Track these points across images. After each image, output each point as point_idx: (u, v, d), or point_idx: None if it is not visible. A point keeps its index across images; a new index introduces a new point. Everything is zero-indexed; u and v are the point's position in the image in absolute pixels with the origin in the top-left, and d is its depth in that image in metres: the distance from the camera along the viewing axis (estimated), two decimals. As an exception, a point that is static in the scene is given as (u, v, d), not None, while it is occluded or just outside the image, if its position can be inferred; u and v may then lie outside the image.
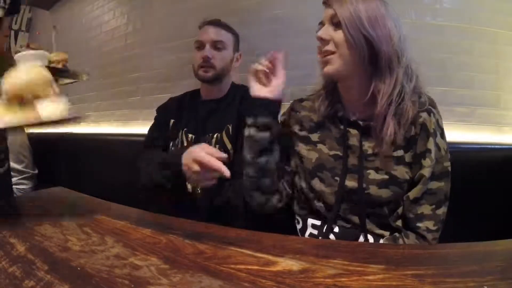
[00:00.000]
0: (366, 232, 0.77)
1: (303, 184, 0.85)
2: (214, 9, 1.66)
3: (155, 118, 1.30)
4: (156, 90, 2.09)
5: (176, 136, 1.19)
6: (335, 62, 0.73)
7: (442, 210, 0.73)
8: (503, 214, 1.06)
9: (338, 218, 0.80)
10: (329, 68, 0.74)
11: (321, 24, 0.77)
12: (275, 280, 0.46)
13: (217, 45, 1.15)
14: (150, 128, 1.27)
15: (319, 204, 0.82)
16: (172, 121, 1.21)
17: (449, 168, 0.75)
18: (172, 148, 1.17)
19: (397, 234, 0.76)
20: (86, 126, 2.63)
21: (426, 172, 0.72)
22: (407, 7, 1.39)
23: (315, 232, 0.83)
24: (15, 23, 3.30)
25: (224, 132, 1.11)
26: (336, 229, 0.80)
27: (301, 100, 0.93)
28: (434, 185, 0.73)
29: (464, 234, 0.68)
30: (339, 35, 0.71)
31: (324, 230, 0.81)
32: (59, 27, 2.89)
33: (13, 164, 1.75)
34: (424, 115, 0.73)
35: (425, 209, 0.73)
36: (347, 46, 0.71)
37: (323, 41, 0.73)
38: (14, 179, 1.73)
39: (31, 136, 1.96)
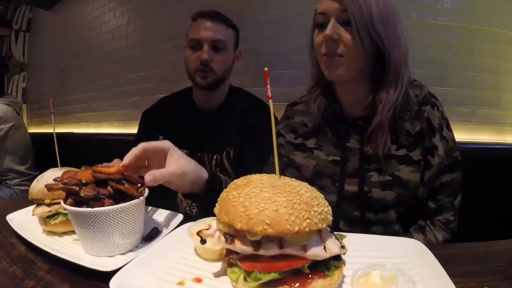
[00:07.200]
0: None
1: None
2: (214, 9, 1.65)
3: (140, 124, 1.15)
4: (156, 90, 2.08)
5: None
6: (342, 66, 0.65)
7: (458, 199, 0.70)
8: (504, 214, 1.06)
9: (339, 226, 0.72)
10: (335, 72, 0.66)
11: (323, 14, 0.65)
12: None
13: (217, 45, 0.98)
14: (136, 134, 1.14)
15: None
16: (160, 137, 1.05)
17: (459, 157, 0.70)
18: None
19: (422, 223, 0.71)
20: (86, 126, 2.64)
21: (434, 170, 0.68)
22: (408, 7, 1.39)
23: None
24: (15, 23, 3.29)
25: (224, 155, 0.99)
26: None
27: (294, 104, 0.85)
28: (448, 177, 0.69)
29: (464, 234, 0.68)
30: (348, 36, 0.62)
31: None
32: (60, 27, 2.89)
33: (15, 166, 1.76)
34: (427, 108, 0.68)
35: (443, 201, 0.69)
36: (356, 49, 0.63)
37: (333, 41, 0.63)
38: (16, 181, 1.73)
39: (32, 136, 1.96)
